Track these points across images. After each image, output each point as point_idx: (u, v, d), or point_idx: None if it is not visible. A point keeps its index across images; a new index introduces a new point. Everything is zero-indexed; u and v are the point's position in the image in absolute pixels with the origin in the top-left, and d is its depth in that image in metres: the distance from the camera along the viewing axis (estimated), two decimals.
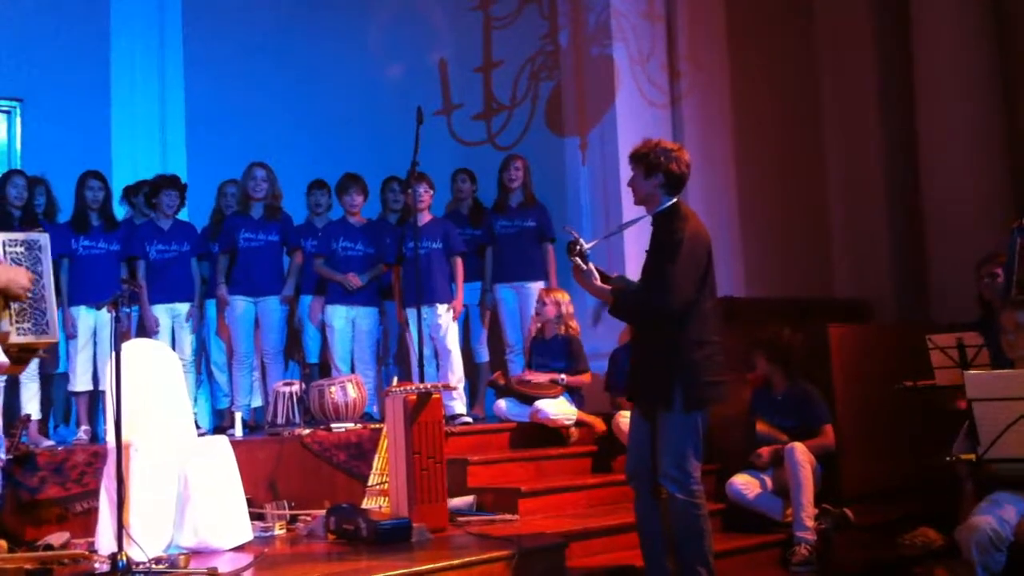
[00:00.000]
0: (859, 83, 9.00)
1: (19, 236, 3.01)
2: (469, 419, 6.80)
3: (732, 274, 8.25)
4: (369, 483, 5.65)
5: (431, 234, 7.01)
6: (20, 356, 2.87)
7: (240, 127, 8.56)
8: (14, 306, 2.75)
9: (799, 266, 8.81)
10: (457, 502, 5.67)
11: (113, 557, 4.18)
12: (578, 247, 4.57)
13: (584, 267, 4.59)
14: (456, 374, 6.89)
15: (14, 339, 2.79)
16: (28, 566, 4.28)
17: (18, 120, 8.26)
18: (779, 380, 6.12)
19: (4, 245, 2.89)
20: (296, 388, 6.54)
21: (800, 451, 5.68)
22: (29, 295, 2.77)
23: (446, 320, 6.94)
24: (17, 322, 2.82)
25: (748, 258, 8.50)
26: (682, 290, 4.46)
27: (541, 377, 6.62)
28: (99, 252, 6.82)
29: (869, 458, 6.54)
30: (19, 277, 2.70)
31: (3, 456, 4.90)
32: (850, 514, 5.71)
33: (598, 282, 4.62)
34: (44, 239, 3.02)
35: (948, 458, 4.49)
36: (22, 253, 2.95)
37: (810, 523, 5.53)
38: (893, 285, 8.81)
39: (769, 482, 5.86)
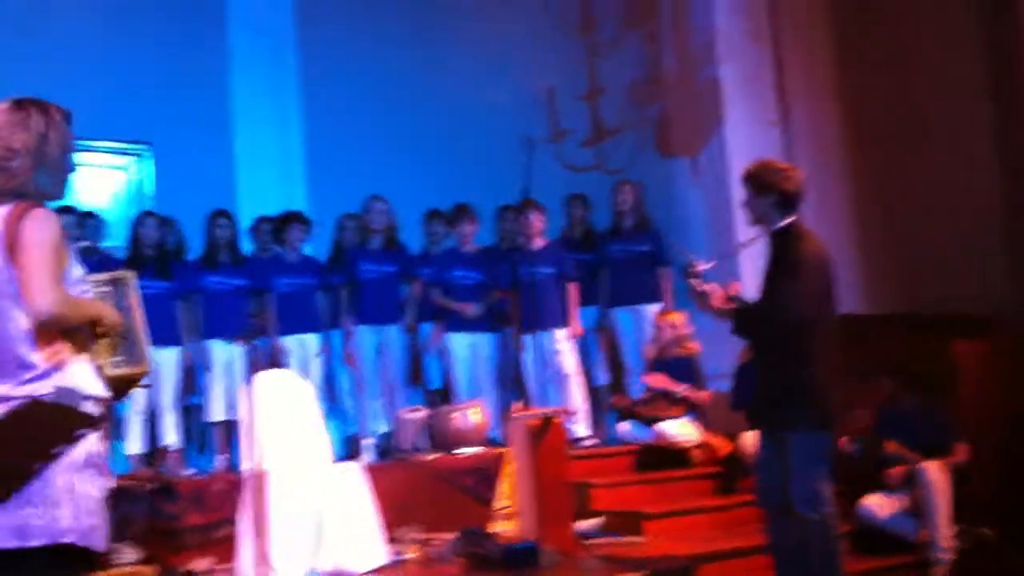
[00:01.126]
0: (970, 85, 8.80)
1: (104, 276, 3.18)
2: (592, 442, 6.83)
3: (850, 290, 8.09)
4: (495, 507, 5.71)
5: (544, 260, 7.08)
6: (119, 388, 3.03)
7: (356, 162, 8.77)
8: (105, 341, 2.91)
9: (917, 280, 8.62)
10: (584, 525, 5.70)
11: None
12: (694, 269, 4.60)
13: (702, 289, 4.60)
14: (576, 398, 6.92)
15: (109, 372, 2.95)
16: None
17: (148, 163, 8.62)
18: (905, 398, 6.01)
19: (93, 285, 3.06)
20: (421, 415, 6.65)
21: (934, 470, 5.57)
22: (118, 331, 2.93)
23: (564, 345, 6.98)
24: (112, 357, 2.99)
25: (865, 274, 8.36)
26: (803, 308, 4.43)
27: (660, 382, 6.61)
28: (229, 287, 7.02)
29: (1003, 475, 6.37)
30: (109, 313, 2.88)
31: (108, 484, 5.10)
32: (990, 533, 5.56)
33: (718, 303, 4.62)
34: (130, 277, 3.19)
35: None
36: (109, 292, 3.12)
37: (947, 543, 5.41)
38: (1014, 299, 8.56)
39: (902, 502, 5.75)
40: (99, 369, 2.84)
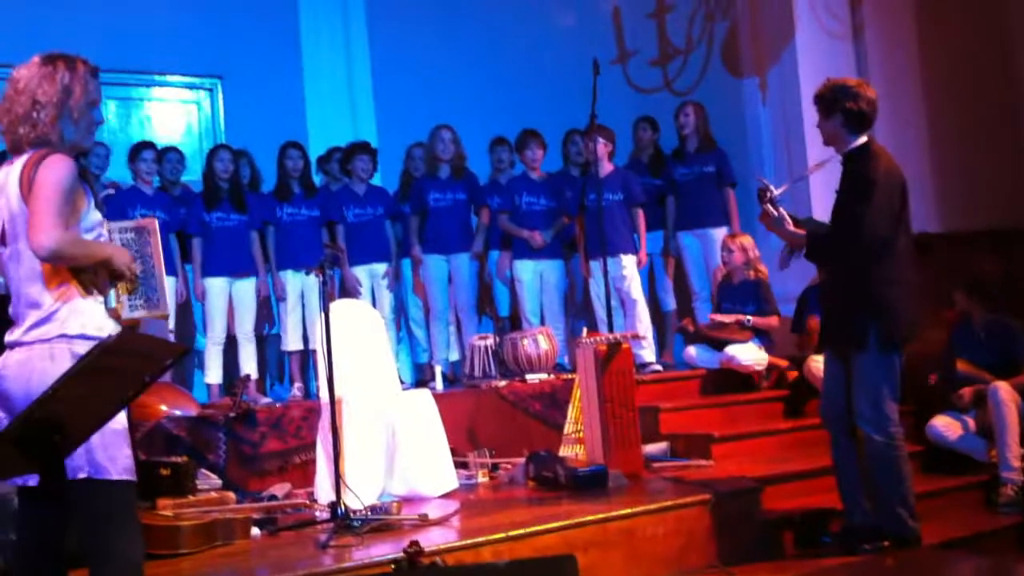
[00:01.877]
0: None
1: (129, 224, 3.29)
2: (659, 367, 6.87)
3: (925, 208, 7.94)
4: (564, 431, 5.80)
5: (612, 185, 7.05)
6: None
7: (422, 90, 8.78)
8: (122, 284, 3.03)
9: (995, 195, 8.40)
10: (651, 448, 5.77)
11: (332, 505, 4.46)
12: (768, 194, 4.57)
13: (776, 213, 4.58)
14: (643, 323, 6.93)
15: (126, 315, 3.08)
16: (255, 515, 4.61)
17: (220, 96, 8.74)
18: (979, 315, 5.93)
19: (116, 232, 3.18)
20: (490, 341, 6.74)
21: (1004, 390, 5.51)
22: (135, 273, 3.05)
23: (631, 271, 6.98)
24: (129, 299, 3.11)
25: (941, 190, 8.18)
26: (878, 229, 4.43)
27: (727, 319, 6.62)
28: (302, 219, 7.15)
29: None
30: (121, 255, 2.99)
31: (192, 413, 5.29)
32: None
33: (791, 227, 4.60)
34: (153, 224, 3.29)
35: None
36: (132, 238, 3.23)
37: (1017, 463, 5.37)
38: None
39: (972, 423, 5.71)
40: (114, 311, 2.97)
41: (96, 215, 3.00)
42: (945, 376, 5.96)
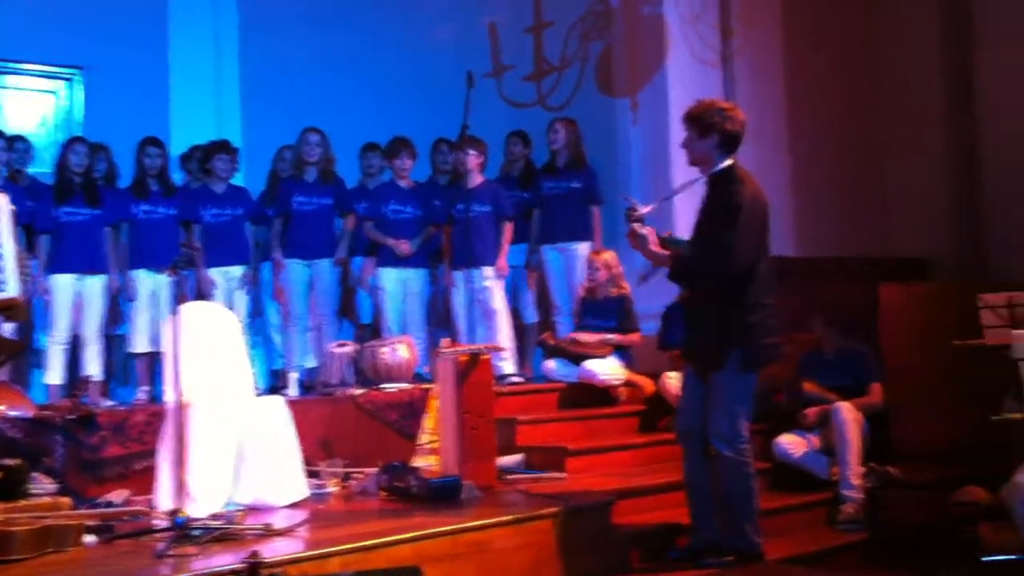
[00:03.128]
0: (917, 35, 8.82)
1: None
2: (518, 379, 6.88)
3: (786, 234, 8.19)
4: (419, 442, 5.75)
5: (481, 197, 7.04)
6: None
7: (293, 92, 8.65)
8: None
9: (855, 225, 8.72)
10: (506, 460, 5.75)
11: (172, 514, 4.30)
12: (635, 213, 4.59)
13: (642, 232, 4.59)
14: (504, 335, 6.94)
15: None
16: (90, 522, 4.41)
17: (79, 88, 8.43)
18: (832, 340, 6.10)
19: None
20: (349, 349, 6.65)
21: (846, 410, 5.68)
22: None
23: (493, 283, 6.98)
24: None
25: (802, 217, 8.43)
26: (741, 255, 4.50)
27: (590, 338, 6.66)
28: (158, 217, 6.94)
29: (921, 417, 6.49)
30: None
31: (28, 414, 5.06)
32: (897, 473, 5.69)
33: (656, 247, 4.62)
34: (2, 201, 3.11)
35: (994, 417, 4.48)
36: None
37: (857, 481, 5.54)
38: (952, 243, 8.69)
39: (816, 441, 5.87)
40: None
41: None
42: (792, 396, 6.11)
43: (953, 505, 5.72)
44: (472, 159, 6.92)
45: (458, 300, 6.95)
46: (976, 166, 8.59)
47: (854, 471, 5.54)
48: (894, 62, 9.03)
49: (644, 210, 4.64)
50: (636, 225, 4.59)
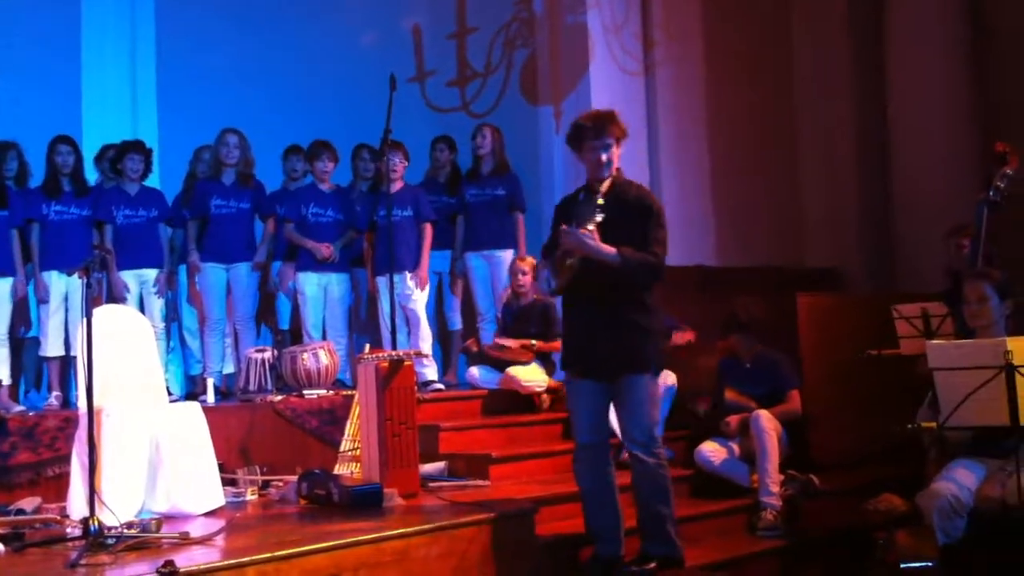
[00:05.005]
0: (832, 53, 9.04)
1: None
2: (441, 385, 6.84)
3: (704, 243, 8.32)
4: (341, 449, 5.68)
5: (402, 202, 6.98)
6: None
7: (213, 92, 8.48)
8: None
9: (772, 236, 8.89)
10: (428, 468, 5.72)
11: (85, 522, 4.19)
12: (598, 206, 4.56)
13: (592, 228, 4.49)
14: (426, 341, 6.91)
15: None
16: (0, 530, 4.30)
17: None
18: (747, 348, 6.18)
19: None
20: (268, 355, 6.54)
21: (766, 418, 5.75)
22: None
23: (414, 288, 6.93)
24: None
25: (721, 227, 8.57)
26: (665, 255, 4.61)
27: (514, 343, 6.65)
28: (70, 217, 6.76)
29: (837, 425, 6.64)
30: None
31: None
32: (815, 480, 5.78)
33: (598, 242, 4.49)
34: None
35: (910, 426, 4.57)
36: None
37: (776, 489, 5.61)
38: (863, 255, 8.91)
39: (736, 449, 5.93)
40: None
41: None
42: (714, 403, 6.18)
43: (870, 512, 5.84)
44: (394, 162, 6.87)
45: (381, 305, 6.88)
46: (887, 179, 8.82)
47: (773, 478, 5.61)
48: (808, 77, 9.25)
49: (602, 203, 4.59)
50: (594, 220, 4.53)
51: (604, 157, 4.63)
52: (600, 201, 4.55)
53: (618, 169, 4.71)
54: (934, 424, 4.35)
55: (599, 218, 4.51)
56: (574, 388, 4.78)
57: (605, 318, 4.63)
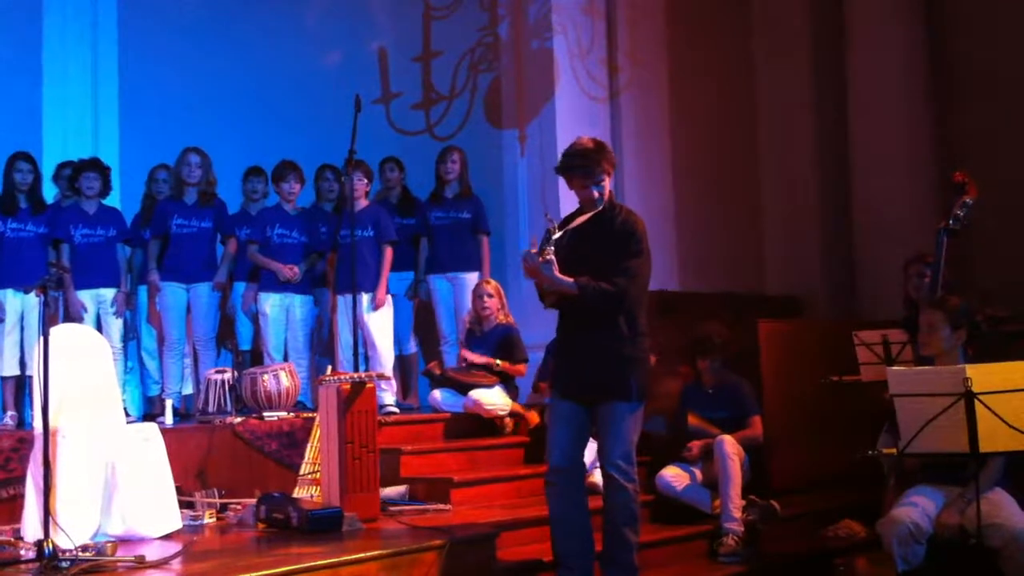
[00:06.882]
0: (794, 85, 9.15)
1: None
2: (395, 409, 6.77)
3: (667, 268, 8.34)
4: (301, 472, 5.62)
5: (363, 222, 6.94)
6: None
7: (176, 112, 8.43)
8: None
9: (733, 262, 8.94)
10: (389, 492, 5.66)
11: (39, 544, 4.13)
12: (552, 236, 4.54)
13: (549, 257, 4.51)
14: (388, 364, 6.85)
15: None
16: None
17: None
18: (709, 373, 6.19)
19: None
20: (228, 376, 6.45)
21: (729, 444, 5.75)
22: None
23: (377, 310, 6.86)
24: None
25: (683, 252, 8.61)
26: (644, 282, 4.62)
27: (479, 358, 6.62)
28: (27, 235, 6.68)
29: (798, 451, 6.67)
30: None
31: None
32: (777, 506, 5.79)
33: (558, 272, 4.51)
34: None
35: (870, 452, 4.60)
36: None
37: (737, 514, 5.60)
38: (824, 283, 8.98)
39: (699, 474, 5.93)
40: None
41: None
42: (676, 428, 6.18)
43: (830, 538, 5.87)
44: (359, 183, 6.84)
45: (342, 327, 6.83)
46: (848, 207, 8.91)
47: (736, 504, 5.61)
48: (772, 104, 9.34)
49: (559, 234, 4.59)
50: (550, 247, 4.53)
51: (596, 194, 4.65)
52: (557, 235, 4.54)
53: (611, 193, 4.71)
54: (894, 450, 4.37)
55: (552, 250, 4.50)
56: (557, 409, 4.77)
57: (588, 344, 4.64)
